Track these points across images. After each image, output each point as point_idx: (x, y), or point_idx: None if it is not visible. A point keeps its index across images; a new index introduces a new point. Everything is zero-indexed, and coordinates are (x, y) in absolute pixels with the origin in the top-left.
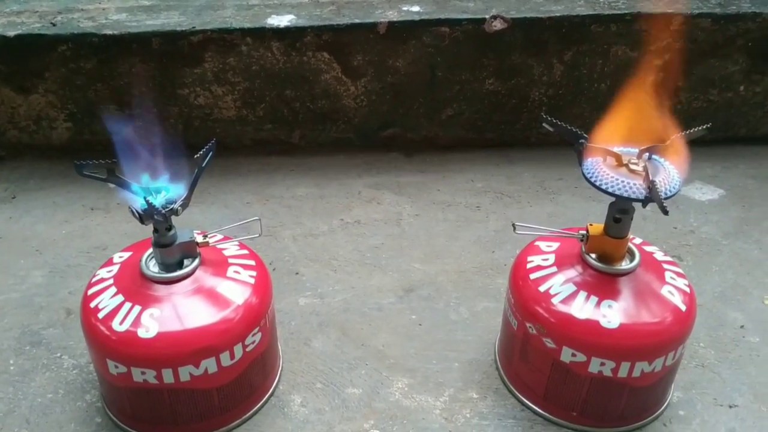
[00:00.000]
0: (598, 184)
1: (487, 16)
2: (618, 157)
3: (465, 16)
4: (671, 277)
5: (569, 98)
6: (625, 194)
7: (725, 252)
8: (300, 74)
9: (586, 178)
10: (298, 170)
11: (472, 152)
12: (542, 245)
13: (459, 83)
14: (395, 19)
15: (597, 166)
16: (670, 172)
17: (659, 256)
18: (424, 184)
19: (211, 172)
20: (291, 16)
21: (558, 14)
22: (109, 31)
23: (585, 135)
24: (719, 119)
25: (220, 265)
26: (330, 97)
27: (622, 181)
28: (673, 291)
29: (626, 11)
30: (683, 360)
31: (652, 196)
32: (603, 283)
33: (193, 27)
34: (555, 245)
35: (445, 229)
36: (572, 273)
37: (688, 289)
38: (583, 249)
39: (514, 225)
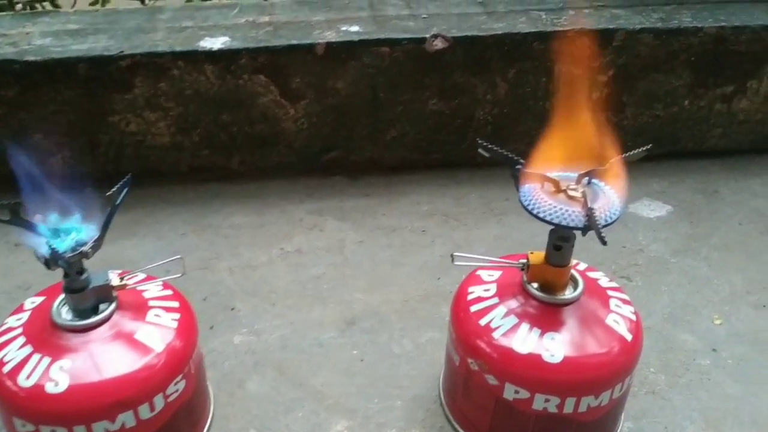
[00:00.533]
0: (535, 212)
1: (427, 36)
2: (556, 183)
3: (405, 35)
4: (616, 305)
5: (514, 116)
6: (564, 222)
7: (674, 270)
8: (236, 98)
9: (524, 206)
10: (238, 197)
11: (418, 173)
12: (484, 275)
13: (401, 104)
14: (333, 40)
15: (534, 192)
16: (610, 197)
17: (604, 282)
18: (368, 208)
19: (145, 201)
20: (225, 38)
21: (500, 32)
22: (31, 57)
23: (521, 160)
24: (665, 134)
25: (139, 309)
26: (269, 121)
27: (561, 209)
28: (618, 319)
29: (568, 28)
30: (633, 387)
31: (590, 224)
32: (545, 314)
33: (122, 51)
34: (497, 274)
35: (389, 256)
36: (514, 304)
37: (634, 317)
38: (524, 278)
39: (452, 256)
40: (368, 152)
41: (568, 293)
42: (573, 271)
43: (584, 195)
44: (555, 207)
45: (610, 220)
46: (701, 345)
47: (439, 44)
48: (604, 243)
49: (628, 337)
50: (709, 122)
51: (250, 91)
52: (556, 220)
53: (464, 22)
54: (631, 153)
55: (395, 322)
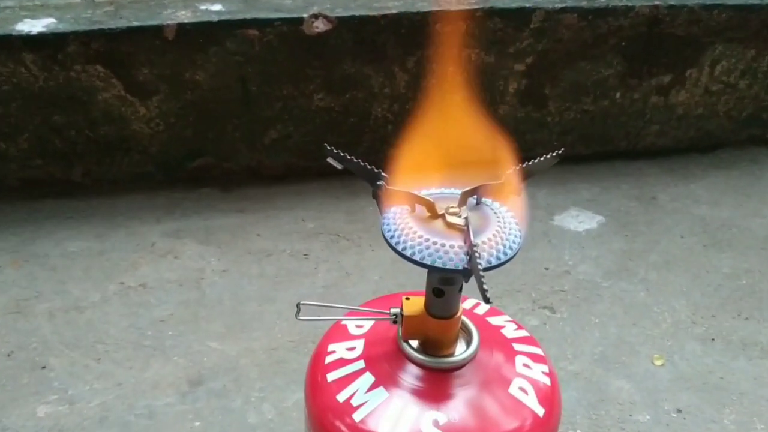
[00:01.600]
0: (400, 247)
1: (305, 15)
2: (430, 206)
3: (278, 15)
4: (525, 365)
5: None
6: (438, 263)
7: (606, 297)
8: (69, 94)
9: (385, 238)
10: (78, 217)
11: (307, 183)
12: (351, 326)
13: (281, 99)
14: (187, 21)
15: (401, 219)
16: (505, 223)
17: (510, 330)
18: (240, 227)
19: None
20: (49, 20)
21: (395, 11)
22: None
23: (383, 174)
24: (595, 132)
25: None
26: (114, 122)
27: (434, 243)
28: (526, 386)
29: (476, 6)
30: None
31: (470, 267)
32: (427, 383)
33: None
34: (368, 325)
35: (258, 289)
36: (384, 370)
37: (548, 380)
38: (399, 334)
39: (298, 306)
40: (245, 159)
41: (459, 352)
42: (465, 319)
43: (467, 223)
44: (427, 240)
45: (502, 259)
46: (639, 395)
47: (320, 26)
48: (487, 301)
49: (540, 411)
50: (645, 118)
51: (86, 85)
52: (427, 260)
53: (353, 0)
54: (536, 161)
55: (255, 380)
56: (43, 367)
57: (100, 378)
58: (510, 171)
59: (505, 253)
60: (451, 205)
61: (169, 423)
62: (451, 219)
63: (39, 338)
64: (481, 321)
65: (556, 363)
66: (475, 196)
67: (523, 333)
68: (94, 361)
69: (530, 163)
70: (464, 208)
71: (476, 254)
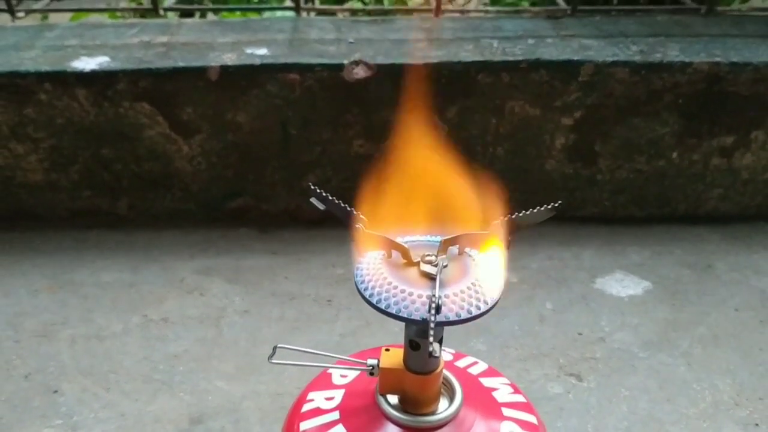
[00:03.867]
0: (368, 294)
1: (346, 62)
2: (405, 252)
3: (319, 60)
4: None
5: (472, 166)
6: (404, 313)
7: (642, 368)
8: (117, 129)
9: (356, 284)
10: (119, 248)
11: (343, 229)
12: (336, 374)
13: (320, 144)
14: (230, 63)
15: (375, 264)
16: (484, 277)
17: (503, 394)
18: (270, 269)
19: (10, 249)
20: (103, 59)
21: (435, 60)
22: None
23: (362, 217)
24: (650, 192)
25: None
26: (158, 159)
27: (402, 291)
28: None
29: (521, 58)
30: None
31: (427, 316)
32: None
33: None
34: (352, 375)
35: (276, 332)
36: (358, 423)
37: None
38: (377, 388)
39: (274, 348)
40: (283, 202)
41: (441, 410)
42: (451, 378)
43: (439, 271)
44: (395, 288)
45: (471, 314)
46: None
47: (360, 72)
48: (430, 355)
49: None
50: (706, 180)
51: (133, 121)
52: (392, 308)
53: (397, 48)
54: (527, 213)
55: (255, 423)
56: (55, 392)
57: (106, 407)
58: (498, 222)
59: (476, 308)
60: (427, 253)
61: None
62: (425, 267)
63: (57, 363)
64: (471, 381)
65: None
66: (457, 246)
67: (518, 398)
68: (104, 390)
69: (521, 214)
70: (443, 257)
71: (433, 305)
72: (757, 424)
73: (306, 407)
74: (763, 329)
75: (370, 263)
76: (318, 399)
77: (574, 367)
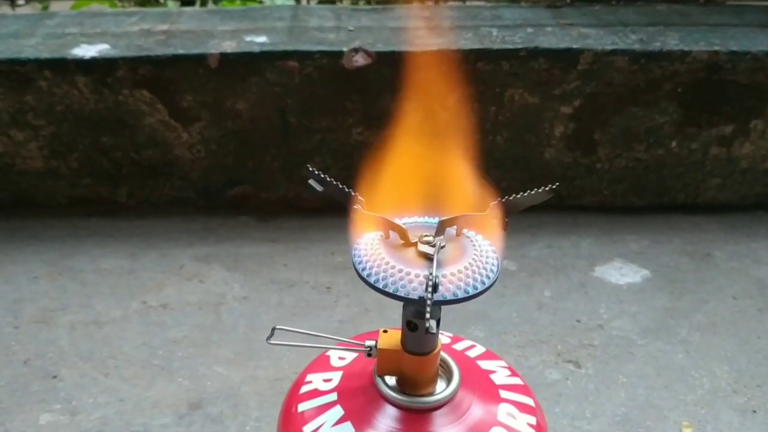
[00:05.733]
0: (365, 273)
1: (345, 49)
2: (403, 233)
3: (318, 48)
4: (508, 414)
5: (472, 150)
6: (401, 292)
7: (639, 355)
8: (117, 117)
9: (353, 264)
10: (118, 236)
11: (342, 217)
12: (334, 356)
13: (319, 131)
14: (230, 51)
15: (373, 244)
16: (481, 258)
17: (501, 376)
18: (269, 256)
19: (10, 236)
20: (103, 46)
21: (435, 48)
22: None
23: (360, 198)
24: (650, 181)
25: None
26: (158, 146)
27: (399, 271)
28: None
29: (521, 46)
30: None
31: (424, 295)
32: (398, 423)
33: None
34: (350, 357)
35: (275, 318)
36: (355, 405)
37: None
38: (375, 369)
39: (273, 330)
40: (282, 190)
41: (438, 391)
42: (449, 360)
43: (436, 251)
44: (393, 267)
45: (468, 293)
46: None
47: (360, 60)
48: (427, 331)
49: None
50: (705, 169)
51: (133, 109)
52: (390, 288)
53: (397, 36)
54: (524, 194)
55: (254, 408)
56: (54, 377)
57: (105, 392)
58: (494, 203)
59: (473, 287)
60: (425, 234)
61: None
62: (422, 248)
63: (56, 348)
64: (469, 363)
65: (572, 422)
66: (455, 227)
67: (515, 381)
68: (103, 375)
69: (517, 196)
70: (441, 237)
71: (429, 284)
72: (754, 411)
73: (304, 389)
74: (761, 317)
75: (368, 244)
76: (316, 381)
77: (572, 354)
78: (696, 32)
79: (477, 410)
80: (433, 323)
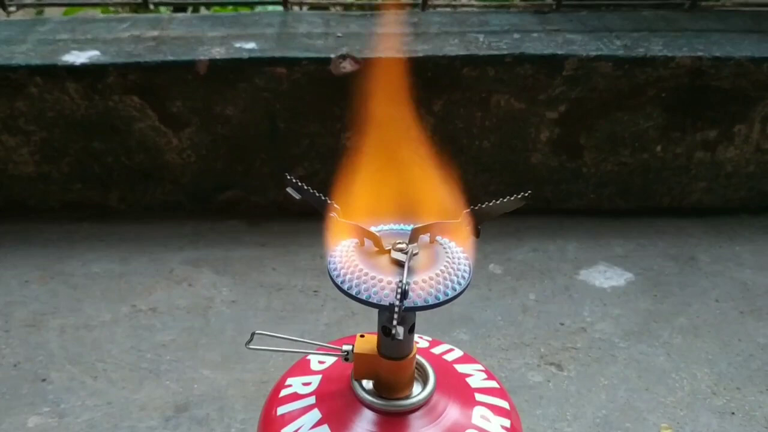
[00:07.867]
0: (339, 280)
1: (333, 55)
2: (377, 240)
3: (306, 54)
4: (482, 416)
5: (446, 158)
6: (373, 298)
7: (621, 358)
8: (107, 122)
9: (328, 269)
10: (109, 240)
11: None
12: (314, 360)
13: (308, 136)
14: (218, 57)
15: (348, 251)
16: (453, 265)
17: (476, 380)
18: (258, 260)
19: (2, 241)
20: (93, 52)
21: (421, 54)
22: None
23: (336, 206)
24: (635, 185)
25: None
26: (149, 151)
27: (372, 278)
28: None
29: (506, 52)
30: None
31: (395, 303)
32: (374, 426)
33: None
34: (330, 361)
35: (262, 322)
36: (334, 408)
37: None
38: (352, 373)
39: (252, 334)
40: (272, 194)
41: (414, 394)
42: (425, 364)
43: (408, 258)
44: (366, 274)
45: (439, 299)
46: None
47: (347, 66)
48: (393, 338)
49: None
50: (689, 174)
51: (123, 114)
52: (362, 294)
53: (384, 42)
54: (496, 202)
55: (239, 411)
56: (43, 380)
57: (93, 395)
58: (467, 211)
59: (443, 294)
60: (399, 241)
61: None
62: (395, 255)
63: (46, 352)
64: (446, 367)
65: (553, 424)
66: (428, 234)
67: (491, 384)
68: (92, 378)
69: (490, 204)
70: (414, 245)
71: (399, 290)
72: (733, 413)
73: (284, 392)
74: (742, 320)
75: (343, 251)
76: (296, 384)
77: (554, 357)
78: (680, 38)
79: (452, 413)
80: (400, 330)
